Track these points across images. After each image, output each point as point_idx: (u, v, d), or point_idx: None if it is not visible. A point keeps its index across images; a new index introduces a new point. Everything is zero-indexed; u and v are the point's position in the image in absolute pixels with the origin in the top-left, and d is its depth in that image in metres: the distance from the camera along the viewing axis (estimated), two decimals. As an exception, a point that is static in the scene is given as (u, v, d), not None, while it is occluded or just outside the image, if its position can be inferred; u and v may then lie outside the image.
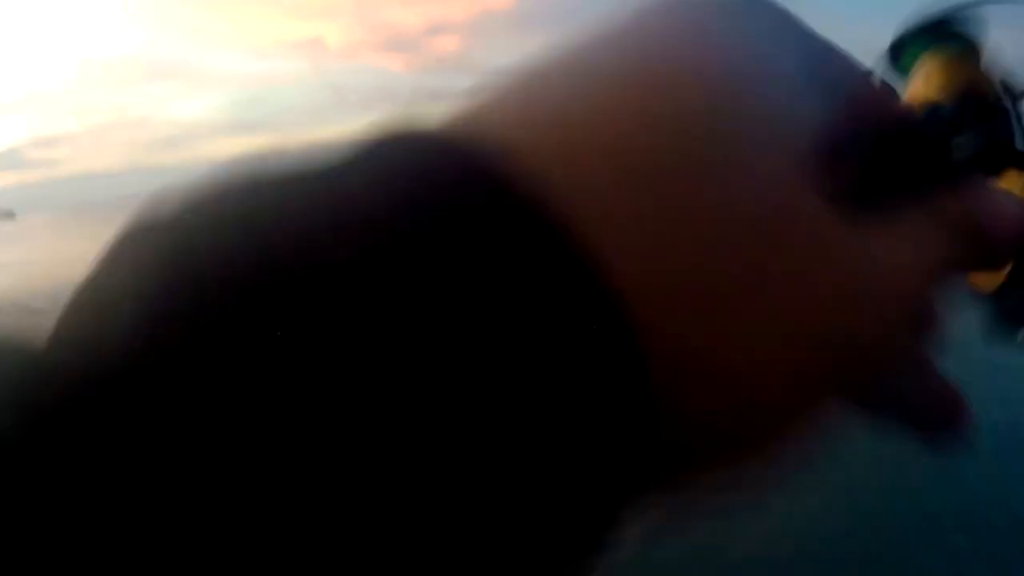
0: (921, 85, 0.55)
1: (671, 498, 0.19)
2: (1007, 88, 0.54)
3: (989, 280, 0.49)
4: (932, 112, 0.51)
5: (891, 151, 0.21)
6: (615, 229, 0.15)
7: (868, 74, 0.29)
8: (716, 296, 0.16)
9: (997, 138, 0.51)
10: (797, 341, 0.17)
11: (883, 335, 0.19)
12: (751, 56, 0.19)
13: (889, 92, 0.30)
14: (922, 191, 0.21)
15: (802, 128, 0.18)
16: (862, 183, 0.20)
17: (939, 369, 0.24)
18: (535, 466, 0.15)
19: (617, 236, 0.15)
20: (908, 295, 0.20)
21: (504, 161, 0.15)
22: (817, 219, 0.18)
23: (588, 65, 0.18)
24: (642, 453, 0.16)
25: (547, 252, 0.14)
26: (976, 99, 0.53)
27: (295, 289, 0.13)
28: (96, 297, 0.16)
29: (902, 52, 0.58)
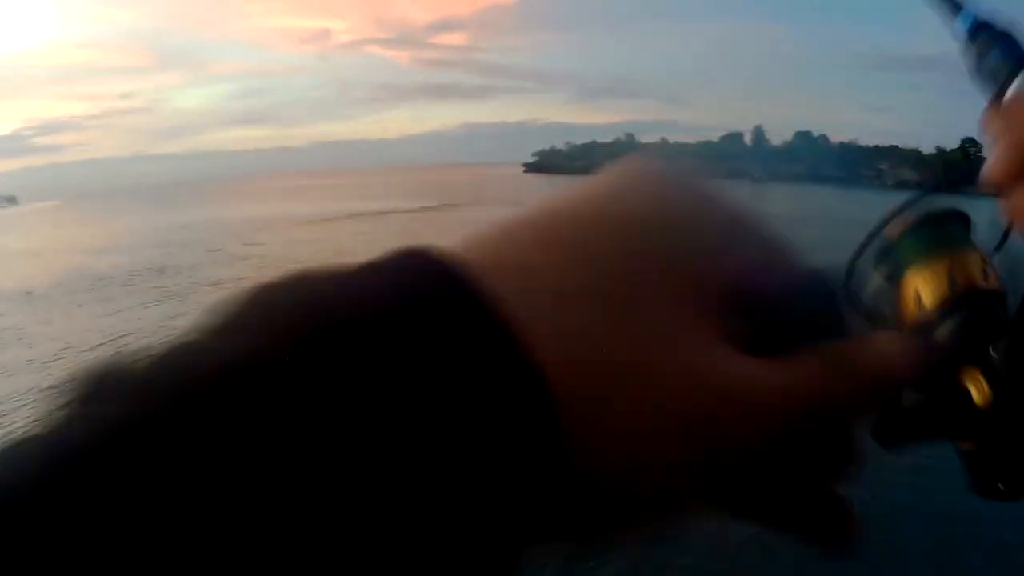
0: (913, 295, 0.56)
1: (570, 543, 0.27)
2: (991, 288, 0.55)
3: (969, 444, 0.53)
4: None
5: (783, 308, 0.30)
6: (551, 332, 0.24)
7: (772, 241, 0.33)
8: (616, 387, 0.24)
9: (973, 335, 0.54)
10: (673, 434, 0.25)
11: (744, 444, 0.26)
12: (675, 213, 0.29)
13: (785, 255, 0.33)
14: (816, 340, 0.30)
15: (710, 273, 0.28)
16: (762, 330, 0.29)
17: (833, 490, 0.31)
18: (454, 502, 0.22)
19: (551, 338, 0.24)
20: (776, 413, 0.27)
21: (478, 281, 0.24)
22: (701, 344, 0.26)
23: (552, 215, 0.30)
24: (550, 501, 0.23)
25: (495, 341, 0.23)
26: (966, 306, 0.54)
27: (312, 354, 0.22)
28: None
29: (890, 255, 0.59)
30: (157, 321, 19.08)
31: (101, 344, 17.20)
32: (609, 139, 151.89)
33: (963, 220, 0.59)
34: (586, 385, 0.24)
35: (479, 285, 0.24)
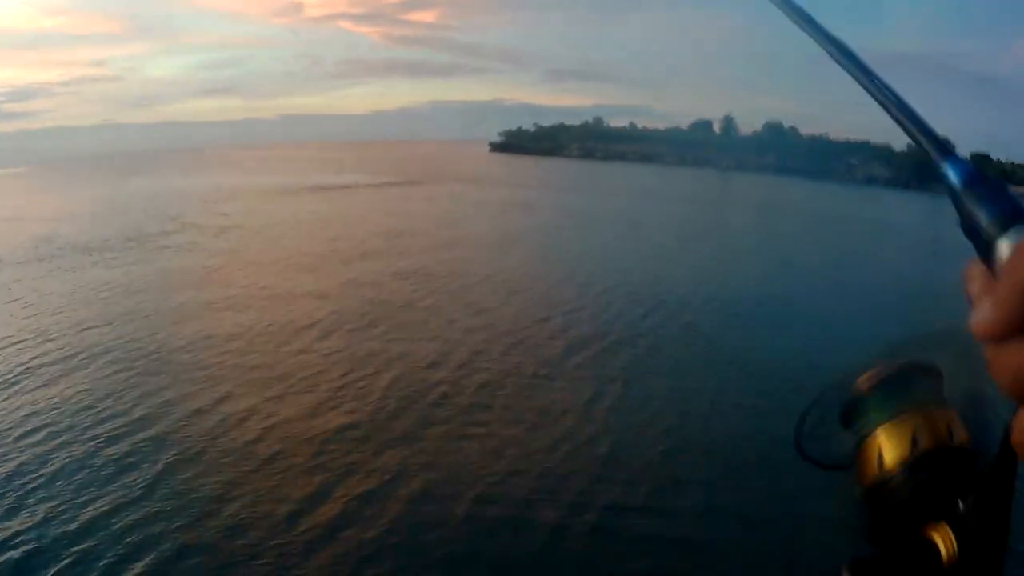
0: (875, 454, 0.60)
1: None
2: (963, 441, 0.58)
3: None
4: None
5: None
6: None
7: None
8: None
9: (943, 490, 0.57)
10: None
11: None
12: None
13: None
14: None
15: None
16: None
17: None
18: None
19: None
20: None
21: None
22: None
23: None
24: None
25: None
26: (935, 464, 0.58)
27: None
28: None
29: (857, 413, 0.62)
30: (125, 287, 20.31)
31: (69, 308, 18.42)
32: (577, 122, 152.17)
33: (933, 375, 0.61)
34: None
35: None
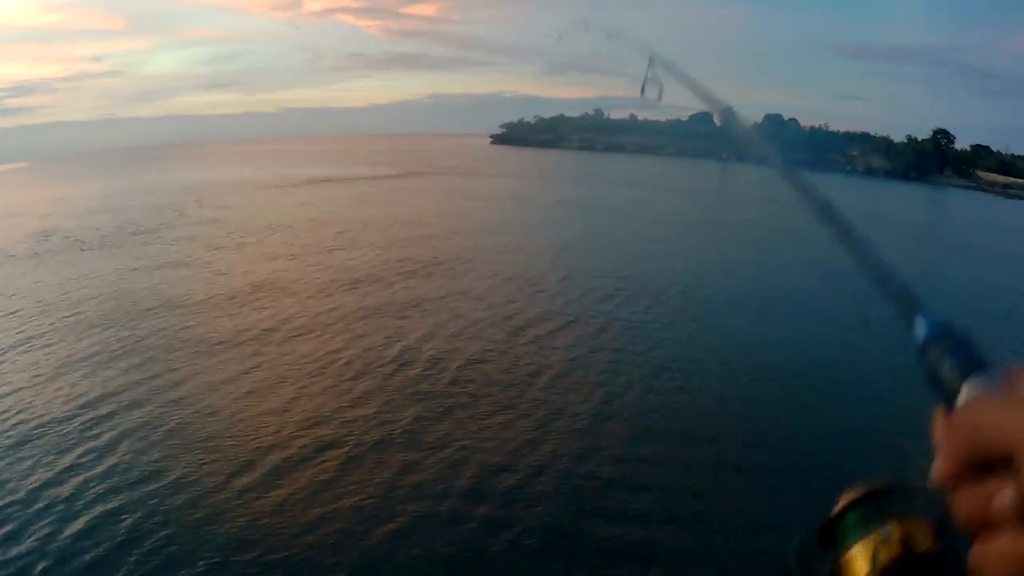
0: (853, 568, 0.61)
1: None
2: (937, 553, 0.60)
3: None
4: None
5: None
6: None
7: None
8: None
9: None
10: None
11: None
12: None
13: None
14: None
15: None
16: None
17: None
18: None
19: None
20: None
21: None
22: None
23: None
24: None
25: None
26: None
27: None
28: None
29: (835, 532, 0.64)
30: (134, 281, 20.42)
31: (86, 300, 18.44)
32: (577, 113, 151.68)
33: (905, 491, 0.64)
34: None
35: None
